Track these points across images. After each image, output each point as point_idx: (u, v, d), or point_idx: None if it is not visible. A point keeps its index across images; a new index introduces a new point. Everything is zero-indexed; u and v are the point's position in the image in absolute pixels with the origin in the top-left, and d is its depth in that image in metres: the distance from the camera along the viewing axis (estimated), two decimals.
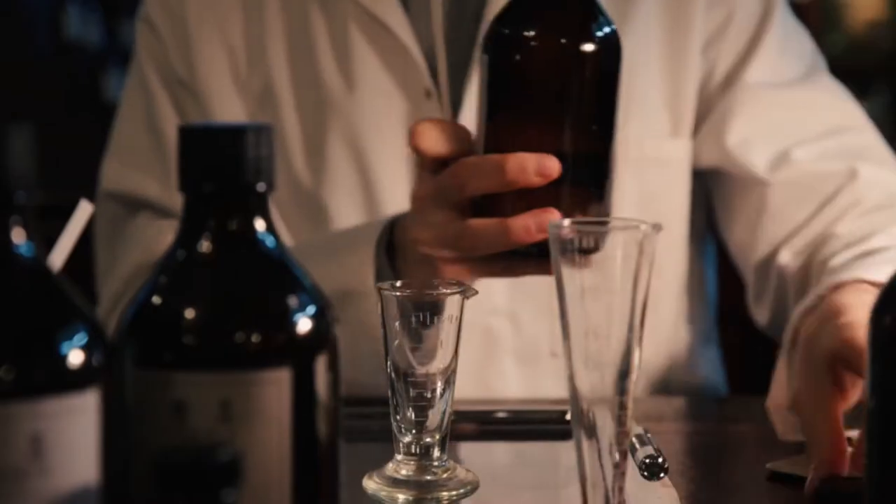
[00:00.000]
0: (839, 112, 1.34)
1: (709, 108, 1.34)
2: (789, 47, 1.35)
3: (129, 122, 1.36)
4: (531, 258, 1.03)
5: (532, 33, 1.02)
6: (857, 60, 3.73)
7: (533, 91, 1.02)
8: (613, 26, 1.03)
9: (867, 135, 1.33)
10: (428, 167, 1.07)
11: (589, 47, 1.01)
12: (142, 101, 1.35)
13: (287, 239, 1.31)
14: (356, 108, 1.31)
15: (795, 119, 1.32)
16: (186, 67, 1.33)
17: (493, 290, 1.28)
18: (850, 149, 1.30)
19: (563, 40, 1.02)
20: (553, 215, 1.00)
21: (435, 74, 1.30)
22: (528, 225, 1.00)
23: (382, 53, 1.30)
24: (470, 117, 1.28)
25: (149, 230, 1.31)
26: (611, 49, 1.02)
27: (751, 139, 1.31)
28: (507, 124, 1.04)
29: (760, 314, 1.32)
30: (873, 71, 3.81)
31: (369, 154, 1.30)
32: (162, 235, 1.25)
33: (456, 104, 1.29)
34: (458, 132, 1.07)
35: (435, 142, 1.06)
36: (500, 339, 1.30)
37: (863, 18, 4.05)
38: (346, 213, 1.31)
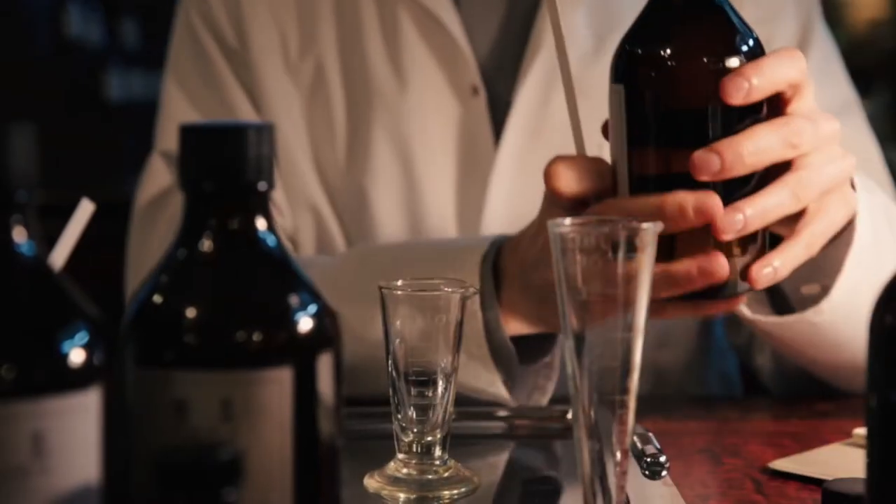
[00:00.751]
0: (861, 155, 1.33)
1: None
2: (830, 74, 1.34)
3: (183, 85, 1.35)
4: (699, 301, 0.96)
5: (675, 52, 0.95)
6: (858, 60, 3.73)
7: (681, 116, 0.94)
8: (755, 35, 0.97)
9: (877, 177, 1.33)
10: (563, 205, 1.01)
11: (736, 62, 0.94)
12: (198, 65, 1.34)
13: (334, 226, 1.32)
14: (403, 100, 1.30)
15: None
16: (239, 41, 1.33)
17: None
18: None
19: (710, 59, 0.94)
20: (720, 265, 0.94)
21: (483, 71, 1.29)
22: (691, 273, 0.94)
23: (432, 47, 1.30)
24: (522, 118, 1.27)
25: None
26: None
27: None
28: (653, 153, 0.96)
29: (734, 337, 1.34)
30: (874, 70, 3.81)
31: (413, 146, 1.30)
32: None
33: (506, 103, 1.29)
34: (597, 167, 1.00)
35: (573, 181, 1.00)
36: None
37: (863, 17, 4.05)
38: (388, 205, 1.30)
